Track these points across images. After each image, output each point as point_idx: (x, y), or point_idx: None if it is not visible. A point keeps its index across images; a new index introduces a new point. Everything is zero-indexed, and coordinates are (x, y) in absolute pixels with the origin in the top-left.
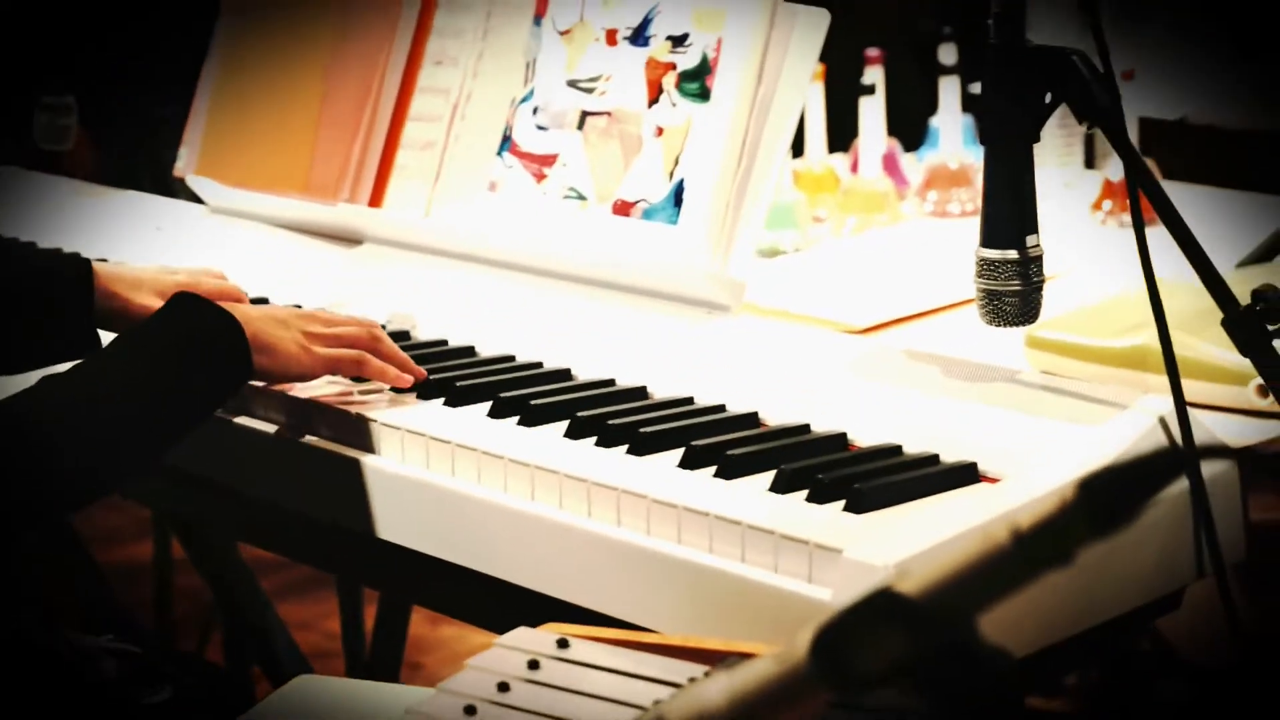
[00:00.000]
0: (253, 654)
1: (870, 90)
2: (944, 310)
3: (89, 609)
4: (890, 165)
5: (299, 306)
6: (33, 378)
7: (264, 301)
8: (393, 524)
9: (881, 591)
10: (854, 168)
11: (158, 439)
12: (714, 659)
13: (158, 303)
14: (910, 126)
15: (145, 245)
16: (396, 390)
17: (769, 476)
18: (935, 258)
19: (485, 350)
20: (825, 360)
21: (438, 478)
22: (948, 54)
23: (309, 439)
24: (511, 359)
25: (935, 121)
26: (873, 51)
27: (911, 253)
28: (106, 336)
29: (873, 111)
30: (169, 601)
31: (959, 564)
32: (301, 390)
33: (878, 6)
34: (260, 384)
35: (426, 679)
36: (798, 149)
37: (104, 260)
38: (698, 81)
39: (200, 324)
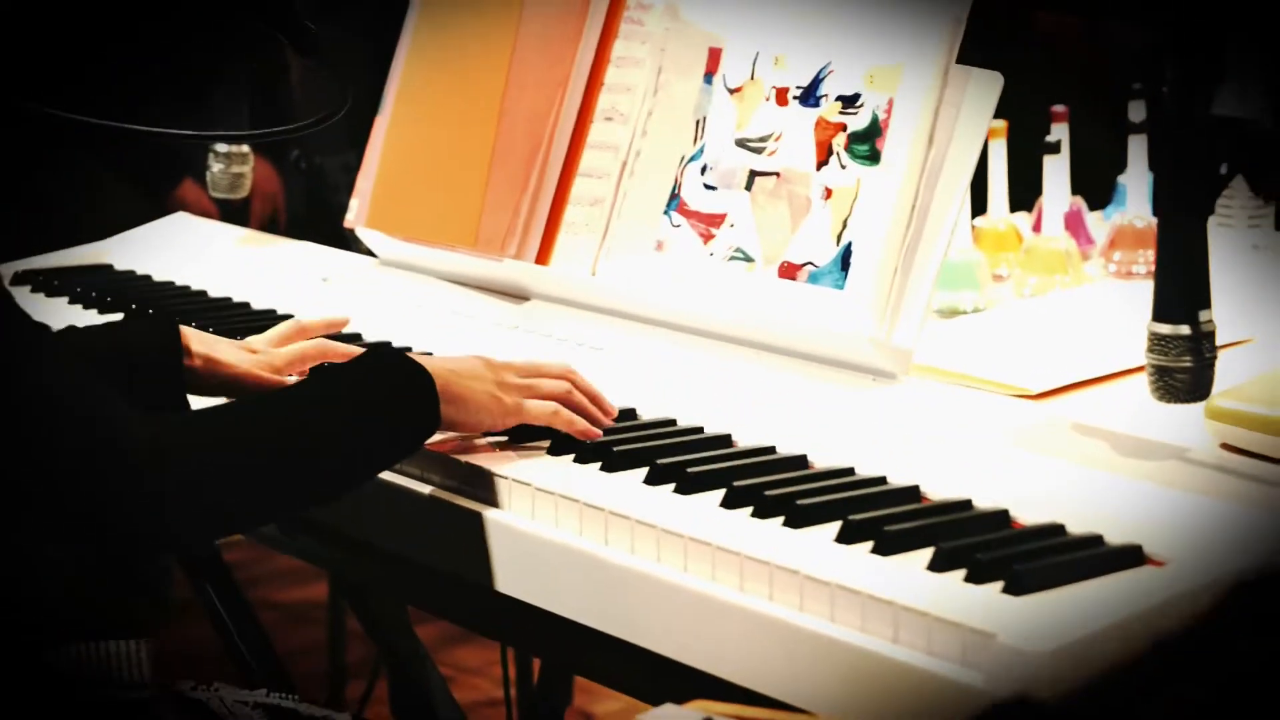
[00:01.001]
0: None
1: (1055, 148)
2: (1123, 376)
3: (248, 661)
4: (1074, 224)
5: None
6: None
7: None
8: (545, 590)
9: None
10: (1036, 226)
11: (338, 482)
12: None
13: (233, 352)
14: (1096, 185)
15: (312, 296)
16: (554, 452)
17: (927, 554)
18: (1117, 321)
19: (646, 413)
20: (992, 431)
21: (590, 545)
22: (1136, 111)
23: (462, 501)
24: (672, 423)
25: (1123, 180)
26: (1059, 108)
27: (1093, 315)
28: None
29: (1057, 169)
30: (342, 644)
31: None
32: (461, 452)
33: (1065, 61)
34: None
35: None
36: (979, 206)
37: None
38: (868, 143)
39: (395, 376)
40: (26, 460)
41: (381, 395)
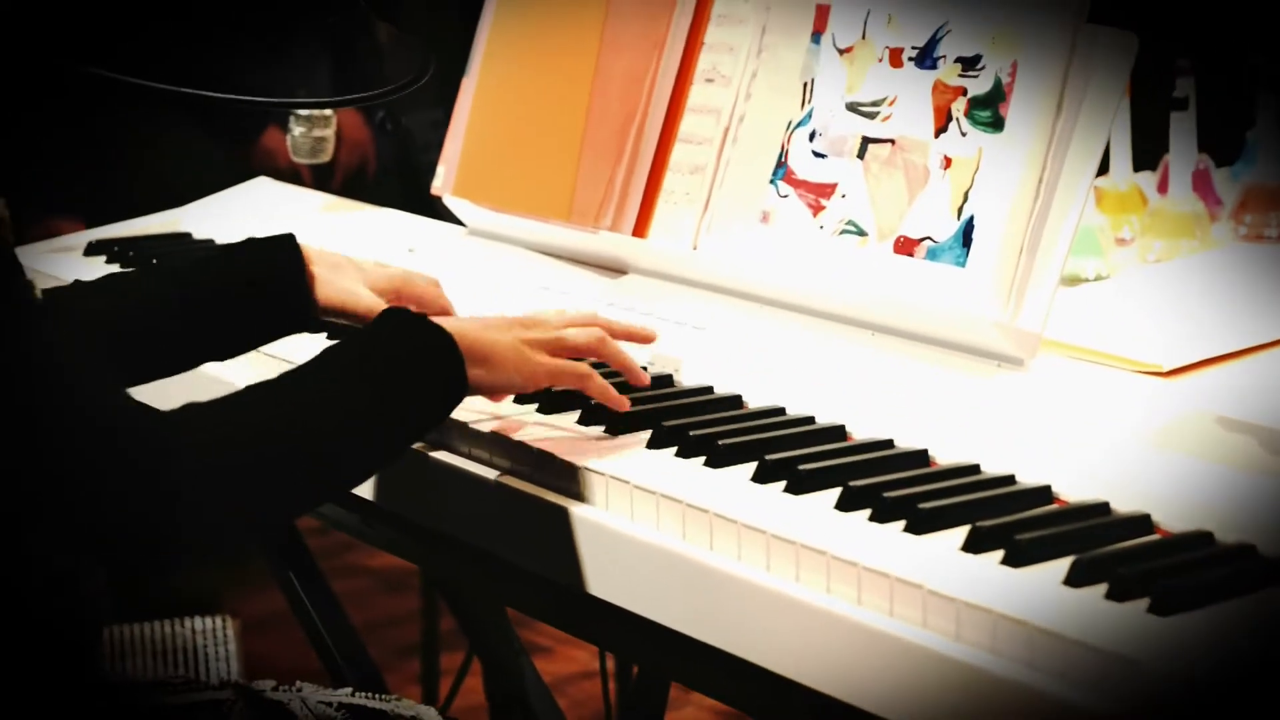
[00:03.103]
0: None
1: (1182, 104)
2: (1260, 350)
3: (334, 657)
4: (1201, 184)
5: None
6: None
7: None
8: (644, 596)
9: None
10: (1162, 187)
11: (366, 462)
12: None
13: (361, 290)
14: (1225, 142)
15: (395, 264)
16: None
17: (1063, 565)
18: (1251, 289)
19: (753, 400)
20: (1126, 420)
21: (694, 550)
22: (1264, 64)
23: (551, 496)
24: (781, 411)
25: (1251, 136)
26: (1184, 62)
27: (1223, 282)
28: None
29: (1183, 126)
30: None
31: None
32: (544, 443)
33: (1192, 14)
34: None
35: None
36: (1101, 166)
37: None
38: (990, 109)
39: (411, 341)
40: (22, 463)
41: (403, 364)
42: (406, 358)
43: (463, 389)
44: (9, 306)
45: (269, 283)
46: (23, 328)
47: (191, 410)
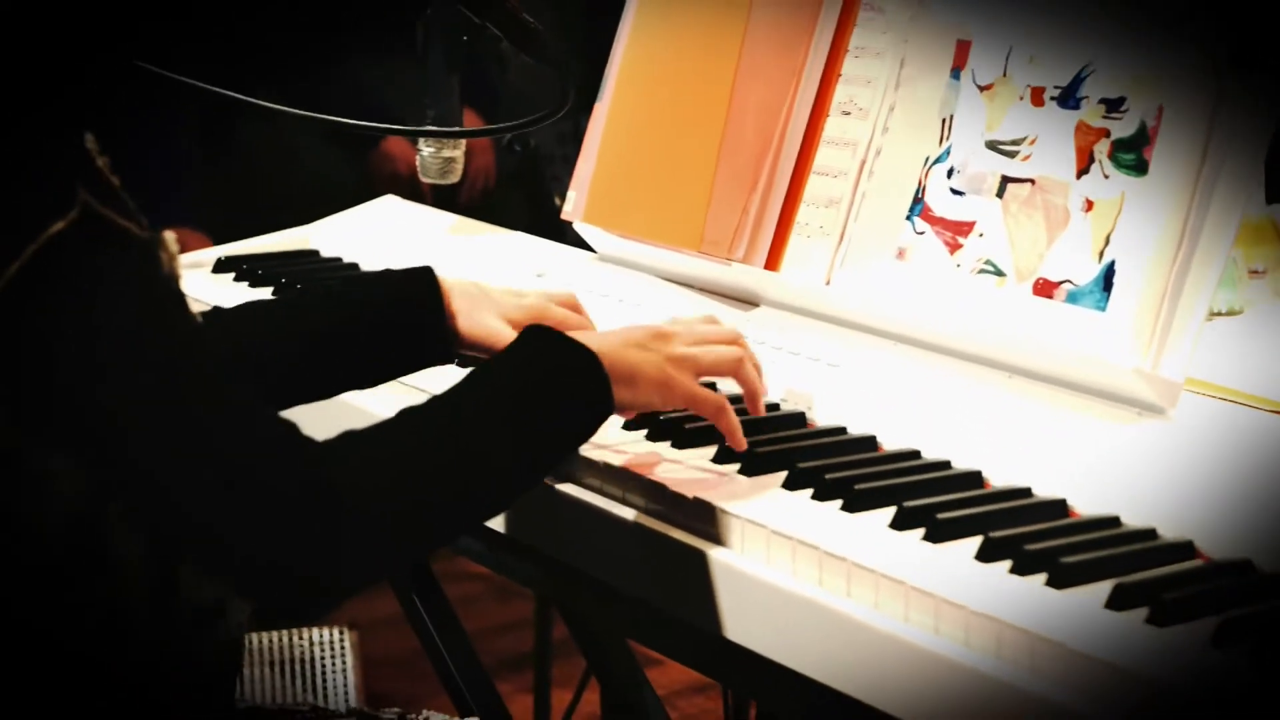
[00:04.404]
0: None
1: None
2: None
3: (459, 686)
4: None
5: None
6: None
7: None
8: (779, 643)
9: None
10: None
11: (517, 486)
12: None
13: (500, 325)
14: None
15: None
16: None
17: (1210, 624)
18: None
19: (887, 440)
20: (1274, 471)
21: (833, 598)
22: None
23: (679, 534)
24: (916, 455)
25: None
26: None
27: None
28: None
29: None
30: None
31: None
32: (679, 483)
33: None
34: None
35: None
36: None
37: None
38: (1134, 153)
39: (557, 361)
40: (189, 497)
41: (551, 386)
42: (554, 379)
43: (608, 409)
44: (179, 341)
45: (409, 318)
46: (192, 365)
47: (351, 445)
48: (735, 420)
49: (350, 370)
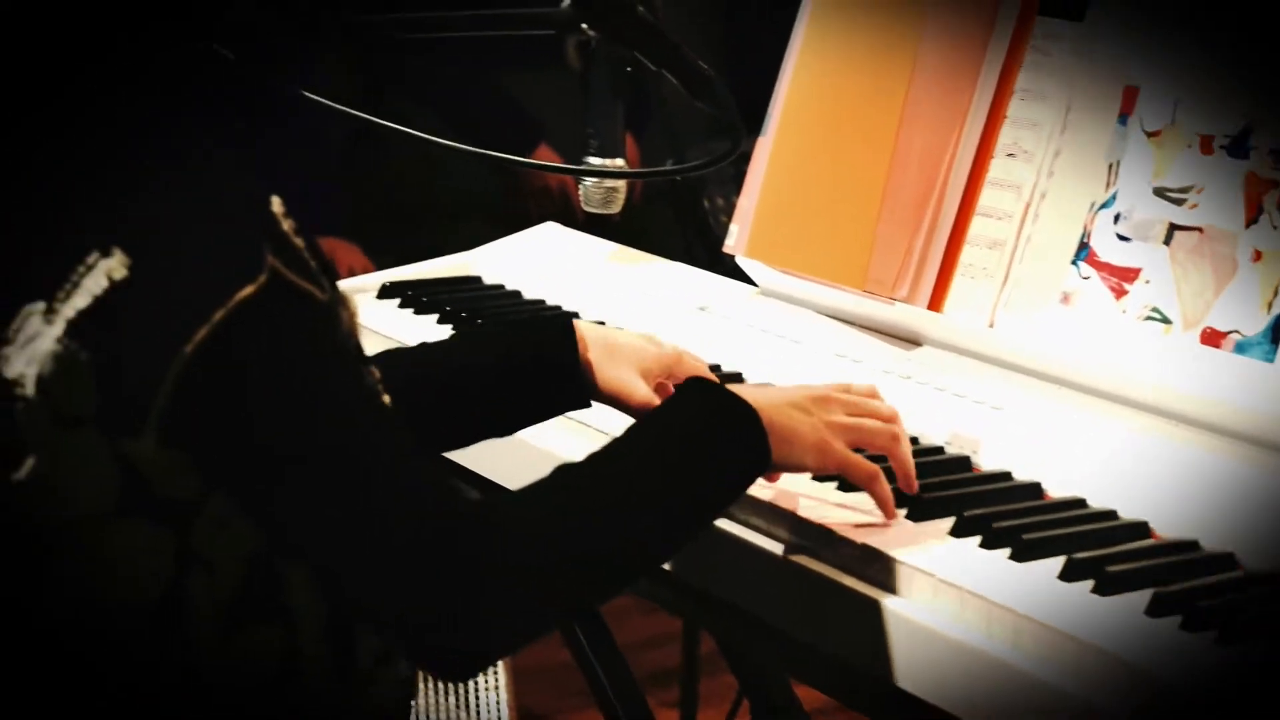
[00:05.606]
0: None
1: None
2: None
3: (612, 703)
4: None
5: None
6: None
7: None
8: (946, 693)
9: None
10: None
11: (674, 543)
12: None
13: (635, 379)
14: None
15: (688, 324)
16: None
17: None
18: None
19: (1052, 487)
20: None
21: (1001, 650)
22: None
23: (845, 579)
24: (1082, 503)
25: None
26: None
27: None
28: None
29: None
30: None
31: None
32: (847, 528)
33: None
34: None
35: None
36: None
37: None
38: None
39: (718, 418)
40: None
41: (711, 442)
42: (714, 436)
43: (765, 466)
44: (360, 400)
45: (543, 371)
46: (371, 424)
47: (509, 509)
48: (888, 490)
49: (483, 418)
